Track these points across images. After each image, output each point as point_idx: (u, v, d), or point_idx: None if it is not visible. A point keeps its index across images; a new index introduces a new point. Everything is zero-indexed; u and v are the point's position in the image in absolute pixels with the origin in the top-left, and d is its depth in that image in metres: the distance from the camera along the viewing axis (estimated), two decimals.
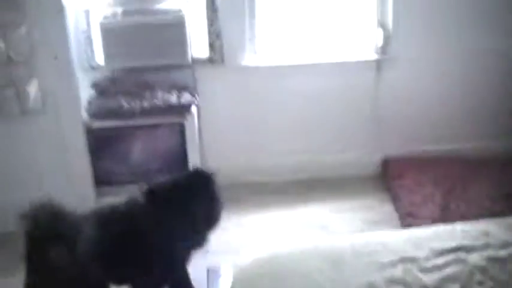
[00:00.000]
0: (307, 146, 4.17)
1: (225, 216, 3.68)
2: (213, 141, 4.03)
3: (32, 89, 3.37)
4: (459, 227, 2.35)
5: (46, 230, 2.24)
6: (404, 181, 3.90)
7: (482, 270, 2.05)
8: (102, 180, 3.72)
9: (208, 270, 2.44)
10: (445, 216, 3.50)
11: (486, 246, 2.21)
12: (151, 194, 2.27)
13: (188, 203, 2.24)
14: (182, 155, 3.73)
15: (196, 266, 3.15)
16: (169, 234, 2.29)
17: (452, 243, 2.19)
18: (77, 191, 3.44)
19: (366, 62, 4.01)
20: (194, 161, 3.75)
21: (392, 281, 1.90)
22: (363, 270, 1.96)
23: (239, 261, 2.43)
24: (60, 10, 3.35)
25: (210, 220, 2.38)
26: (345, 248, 2.11)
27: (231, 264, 2.47)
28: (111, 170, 3.76)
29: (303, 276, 1.95)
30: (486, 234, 2.28)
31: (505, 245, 2.21)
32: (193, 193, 2.26)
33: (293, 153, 4.17)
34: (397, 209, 3.74)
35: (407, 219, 3.54)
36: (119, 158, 3.75)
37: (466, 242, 2.19)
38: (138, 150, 3.76)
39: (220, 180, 3.92)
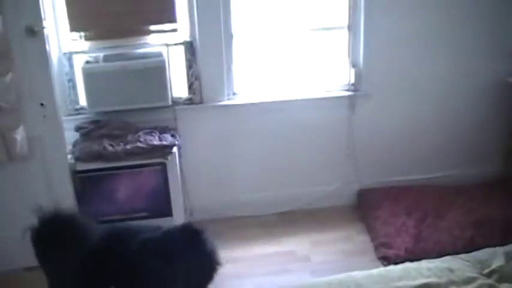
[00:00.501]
0: (286, 180, 4.33)
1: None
2: (195, 178, 4.16)
3: (19, 135, 3.43)
4: (425, 264, 2.50)
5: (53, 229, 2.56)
6: (379, 212, 4.06)
7: None
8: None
9: None
10: (418, 245, 3.67)
11: (451, 283, 2.36)
12: (144, 245, 2.30)
13: (177, 259, 2.26)
14: (165, 193, 3.84)
15: None
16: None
17: (419, 281, 2.33)
18: None
19: (340, 98, 4.18)
20: (176, 198, 3.89)
21: None
22: None
23: None
24: (45, 57, 3.42)
25: (202, 275, 2.39)
26: None
27: None
28: (97, 209, 3.82)
29: None
30: (450, 270, 2.44)
31: (468, 281, 2.37)
32: (182, 249, 2.28)
33: (273, 188, 4.33)
34: (372, 240, 3.89)
35: (382, 249, 3.71)
36: (104, 198, 3.85)
37: (431, 280, 2.34)
38: (123, 190, 3.85)
39: (203, 216, 4.10)
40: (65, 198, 3.67)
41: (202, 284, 2.42)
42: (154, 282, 2.31)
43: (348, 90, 4.18)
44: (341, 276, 2.41)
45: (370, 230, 3.99)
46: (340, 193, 4.37)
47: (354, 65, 4.12)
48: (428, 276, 2.37)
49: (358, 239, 3.98)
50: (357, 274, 2.42)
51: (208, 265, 2.35)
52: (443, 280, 2.35)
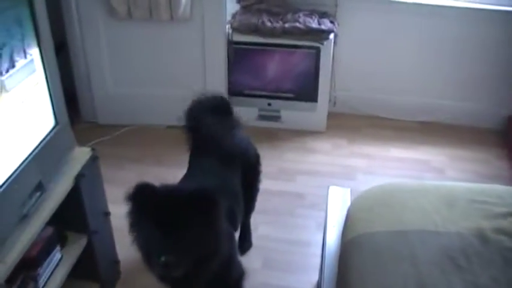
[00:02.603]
0: (435, 90, 4.19)
1: (341, 144, 3.89)
2: (344, 70, 4.12)
3: None
4: None
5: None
6: None
7: None
8: (234, 90, 3.96)
9: (329, 188, 2.55)
10: None
11: None
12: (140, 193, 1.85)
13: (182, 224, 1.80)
14: (313, 79, 3.87)
15: (319, 184, 3.43)
16: None
17: None
18: None
19: (507, 13, 3.88)
20: (324, 85, 3.90)
21: (499, 230, 1.98)
22: (474, 216, 2.06)
23: (356, 186, 2.55)
24: None
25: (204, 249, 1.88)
26: (462, 193, 2.20)
27: (349, 188, 2.59)
28: (244, 82, 3.96)
29: (418, 210, 2.08)
30: None
31: None
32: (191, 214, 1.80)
33: (419, 95, 4.22)
34: None
35: None
36: (254, 72, 3.93)
37: None
38: (273, 68, 3.91)
39: (344, 110, 4.10)
40: (218, 65, 3.79)
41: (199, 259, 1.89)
42: None
43: None
44: (483, 185, 2.35)
45: None
46: (488, 114, 4.18)
47: None
48: None
49: (497, 164, 3.83)
50: (500, 187, 2.34)
51: (212, 241, 1.88)
52: None
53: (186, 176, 2.45)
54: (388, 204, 2.15)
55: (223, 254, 1.99)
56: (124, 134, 3.96)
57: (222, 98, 2.66)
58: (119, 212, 2.75)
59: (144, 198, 1.82)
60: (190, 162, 2.55)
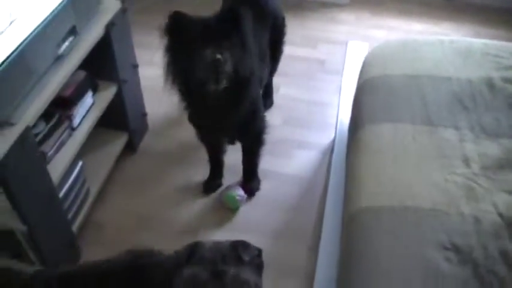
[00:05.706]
0: None
1: (365, 17, 3.91)
2: None
3: None
4: None
5: None
6: None
7: None
8: None
9: (348, 43, 2.59)
10: None
11: None
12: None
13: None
14: None
15: (339, 52, 3.48)
16: None
17: None
18: None
19: None
20: None
21: (507, 80, 2.08)
22: (486, 67, 2.13)
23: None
24: None
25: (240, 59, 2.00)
26: (477, 47, 2.27)
27: (367, 43, 2.63)
28: None
29: (433, 59, 2.16)
30: None
31: None
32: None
33: None
34: None
35: None
36: None
37: None
38: None
39: None
40: None
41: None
42: None
43: None
44: (500, 42, 2.36)
45: None
46: None
47: None
48: None
49: None
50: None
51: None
52: None
53: None
54: (403, 52, 2.24)
55: (254, 85, 2.14)
56: (150, 2, 4.01)
57: None
58: (146, 73, 2.89)
59: (181, 26, 1.95)
60: None
